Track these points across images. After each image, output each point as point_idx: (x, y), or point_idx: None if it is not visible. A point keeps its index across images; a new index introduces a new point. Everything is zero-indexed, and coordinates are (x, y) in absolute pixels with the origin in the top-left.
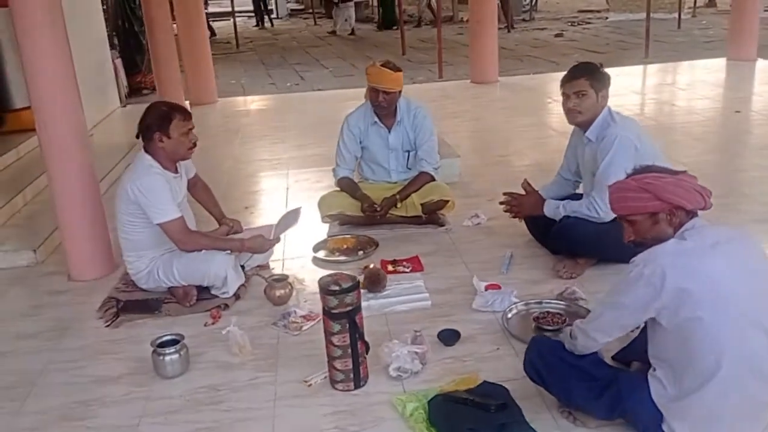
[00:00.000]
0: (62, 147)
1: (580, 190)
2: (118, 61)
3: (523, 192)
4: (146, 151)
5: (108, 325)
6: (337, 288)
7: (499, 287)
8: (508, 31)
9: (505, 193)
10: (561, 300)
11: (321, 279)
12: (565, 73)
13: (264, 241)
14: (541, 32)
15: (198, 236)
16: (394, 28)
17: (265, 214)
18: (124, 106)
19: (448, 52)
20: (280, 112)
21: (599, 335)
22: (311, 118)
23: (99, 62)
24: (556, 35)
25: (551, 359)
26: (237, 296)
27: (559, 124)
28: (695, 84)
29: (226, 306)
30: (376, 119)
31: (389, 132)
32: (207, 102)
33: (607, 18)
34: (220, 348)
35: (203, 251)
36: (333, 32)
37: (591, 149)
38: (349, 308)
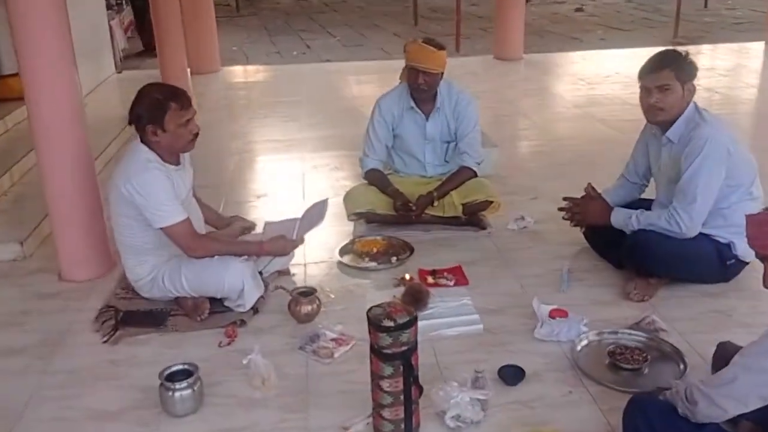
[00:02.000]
0: (54, 123)
1: (647, 194)
2: (115, 22)
3: (580, 198)
4: (142, 140)
5: (106, 341)
6: (391, 324)
7: (566, 314)
8: (526, 3)
9: (565, 198)
10: (638, 330)
11: (371, 311)
12: (643, 63)
13: (286, 243)
14: (560, 6)
15: (208, 241)
16: None
17: (280, 205)
18: (120, 72)
19: (463, 24)
20: (288, 84)
21: (730, 404)
22: (323, 93)
23: (94, 24)
24: (576, 10)
25: (663, 427)
26: (255, 309)
27: (600, 111)
28: (737, 69)
29: (243, 322)
30: (413, 104)
31: (427, 119)
32: (209, 71)
33: None
34: (238, 377)
35: (216, 258)
36: None
37: (672, 152)
38: (405, 348)
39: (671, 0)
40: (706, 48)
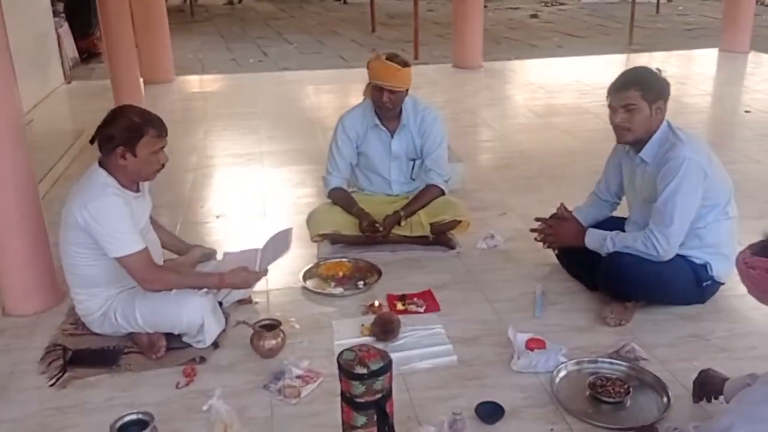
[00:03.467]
0: None
1: (619, 212)
2: (63, 30)
3: (552, 218)
4: (101, 164)
5: (53, 384)
6: (364, 371)
7: (544, 344)
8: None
9: (537, 219)
10: (618, 359)
11: (341, 356)
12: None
13: (249, 275)
14: (515, 12)
15: (166, 273)
16: None
17: (240, 225)
18: (69, 83)
19: (420, 31)
20: (246, 94)
21: None
22: (282, 104)
23: (40, 32)
24: (531, 16)
25: None
26: (216, 344)
27: (562, 121)
28: (692, 77)
29: (203, 359)
30: (377, 121)
31: (392, 137)
32: (162, 81)
33: (580, 0)
34: (198, 425)
35: (173, 291)
36: (230, 2)
37: (647, 172)
38: (379, 396)
39: (623, 6)
40: (660, 55)
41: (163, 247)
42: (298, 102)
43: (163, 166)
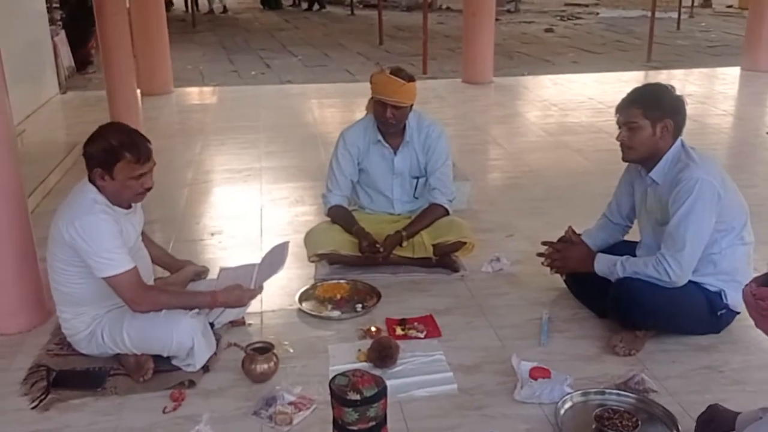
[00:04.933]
0: None
1: (630, 235)
2: (59, 39)
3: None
4: (90, 180)
5: (34, 407)
6: (357, 398)
7: (549, 374)
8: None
9: (544, 242)
10: (627, 390)
11: (334, 381)
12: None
13: (243, 293)
14: (529, 26)
15: (156, 293)
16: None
17: (236, 243)
18: (64, 93)
19: (429, 44)
20: (247, 107)
21: None
22: (284, 118)
23: (35, 39)
24: (546, 30)
25: None
26: (206, 367)
27: (575, 140)
28: (713, 97)
29: (192, 383)
30: (380, 137)
31: (395, 154)
32: (161, 92)
33: (597, 14)
34: None
35: (163, 312)
36: (210, 11)
37: (658, 193)
38: (373, 424)
39: (642, 21)
40: (679, 73)
41: (154, 263)
42: (301, 116)
43: (148, 190)
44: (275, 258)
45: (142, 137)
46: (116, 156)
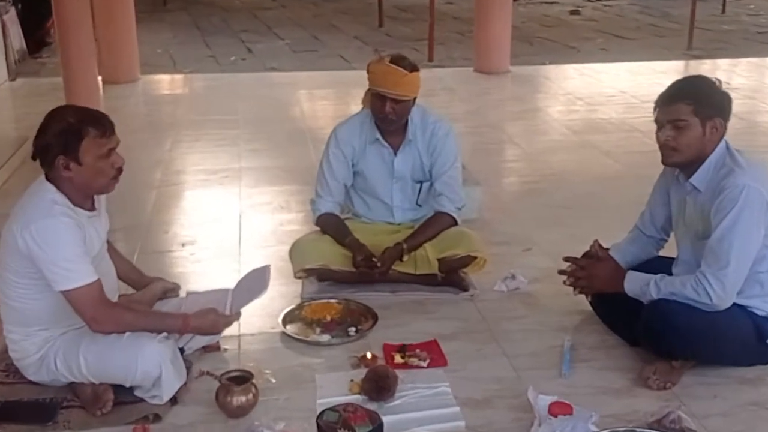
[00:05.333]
0: None
1: (666, 251)
2: (8, 17)
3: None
4: (47, 178)
5: None
6: None
7: (571, 410)
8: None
9: (567, 258)
10: (660, 430)
11: (322, 416)
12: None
13: (217, 319)
14: (551, 7)
15: (121, 311)
16: None
17: (210, 255)
18: (13, 80)
19: (437, 27)
20: (225, 98)
21: None
22: (267, 111)
23: None
24: (572, 12)
25: None
26: (174, 399)
27: (603, 140)
28: (763, 90)
29: (157, 417)
30: (378, 136)
31: (395, 154)
32: (126, 80)
33: None
34: None
35: (126, 334)
36: None
37: (699, 202)
38: None
39: (681, 4)
40: (724, 63)
41: (119, 277)
42: (287, 109)
43: (120, 170)
44: (254, 283)
45: (98, 111)
46: (79, 133)
